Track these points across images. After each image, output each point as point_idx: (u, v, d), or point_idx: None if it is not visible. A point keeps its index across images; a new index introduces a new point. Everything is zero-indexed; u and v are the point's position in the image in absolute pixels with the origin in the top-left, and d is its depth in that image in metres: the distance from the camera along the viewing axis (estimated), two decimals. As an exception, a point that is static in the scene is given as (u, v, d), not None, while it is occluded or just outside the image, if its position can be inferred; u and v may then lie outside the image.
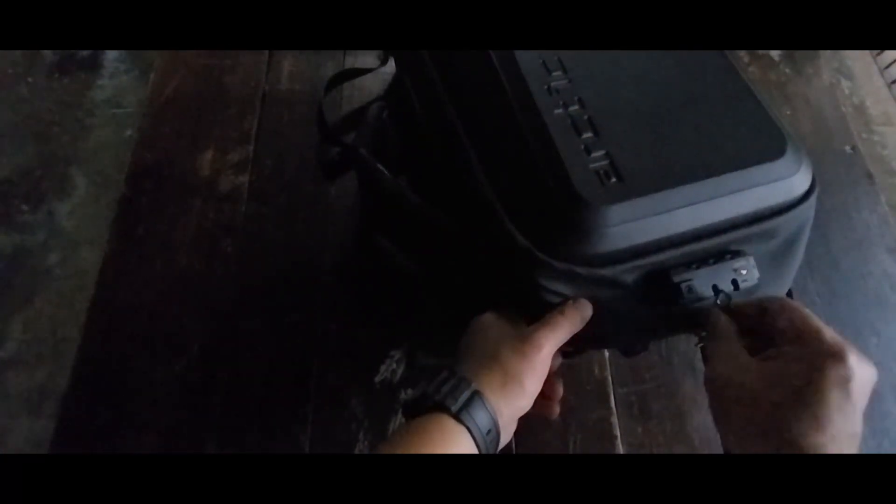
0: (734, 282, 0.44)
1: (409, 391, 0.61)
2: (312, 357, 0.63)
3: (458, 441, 0.38)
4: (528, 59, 0.47)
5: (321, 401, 0.61)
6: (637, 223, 0.42)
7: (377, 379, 0.62)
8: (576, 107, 0.45)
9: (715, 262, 0.43)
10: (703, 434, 0.61)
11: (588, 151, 0.43)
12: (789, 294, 0.65)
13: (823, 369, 0.36)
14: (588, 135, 0.44)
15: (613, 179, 0.42)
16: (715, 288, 0.43)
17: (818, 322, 0.39)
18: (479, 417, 0.39)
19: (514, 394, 0.41)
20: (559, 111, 0.45)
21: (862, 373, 0.37)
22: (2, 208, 1.39)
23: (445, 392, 0.39)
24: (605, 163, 0.43)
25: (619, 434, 0.60)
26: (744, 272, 0.44)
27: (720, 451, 0.60)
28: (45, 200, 1.41)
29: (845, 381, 0.36)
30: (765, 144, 0.45)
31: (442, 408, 0.39)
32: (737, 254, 0.44)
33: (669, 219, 0.42)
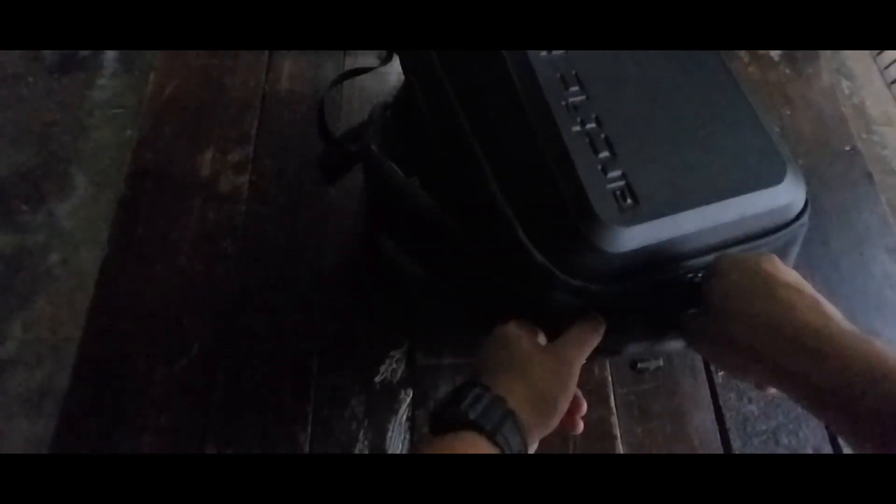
0: None
1: (410, 391, 0.61)
2: (312, 357, 0.63)
3: None
4: (545, 73, 0.48)
5: (321, 401, 0.61)
6: (649, 243, 0.43)
7: (377, 379, 0.62)
8: (593, 125, 0.46)
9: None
10: (703, 434, 0.61)
11: (605, 171, 0.44)
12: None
13: (721, 273, 0.41)
14: (605, 154, 0.45)
15: (629, 201, 0.43)
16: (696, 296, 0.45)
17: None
18: (512, 438, 0.39)
19: (545, 413, 0.41)
20: (577, 129, 0.45)
21: (750, 254, 0.42)
22: (2, 208, 1.39)
23: (480, 411, 0.39)
24: (621, 183, 0.43)
25: (619, 434, 0.60)
26: None
27: (720, 451, 0.60)
28: (45, 200, 1.40)
29: (738, 263, 0.41)
30: (766, 169, 0.46)
31: (475, 426, 0.38)
32: None
33: (679, 239, 0.44)
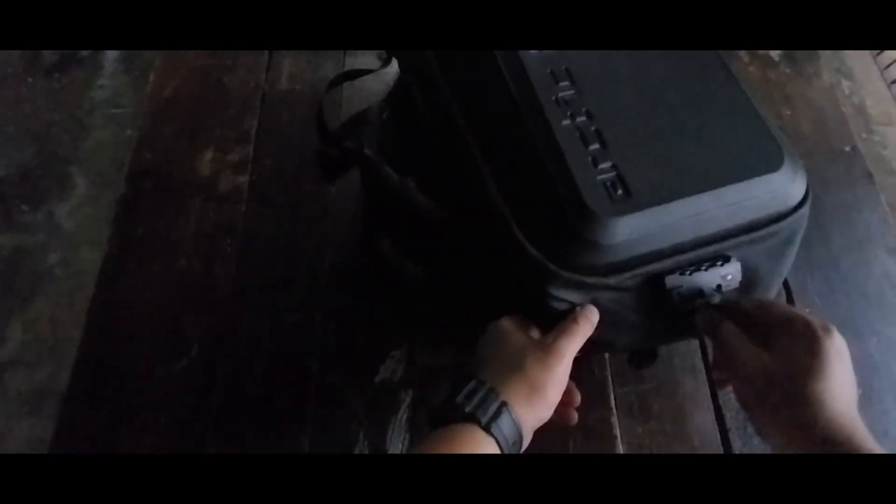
0: (718, 286, 0.46)
1: (410, 391, 0.61)
2: (312, 357, 0.63)
3: (486, 451, 0.39)
4: (536, 69, 0.48)
5: (321, 401, 0.61)
6: (642, 234, 0.43)
7: (377, 379, 0.62)
8: (583, 118, 0.46)
9: (707, 268, 0.45)
10: (703, 434, 0.61)
11: (595, 163, 0.44)
12: (788, 293, 0.65)
13: (822, 344, 0.41)
14: (595, 146, 0.45)
15: (620, 192, 0.43)
16: (700, 292, 0.45)
17: (799, 310, 0.44)
18: (507, 429, 0.40)
19: (538, 405, 0.42)
20: (567, 122, 0.45)
21: (845, 344, 0.42)
22: (2, 208, 1.39)
23: (475, 403, 0.40)
24: (612, 174, 0.43)
25: (619, 434, 0.60)
26: (729, 277, 0.45)
27: (720, 451, 0.60)
28: (45, 200, 1.41)
29: (841, 352, 0.41)
30: (763, 156, 0.46)
31: (472, 418, 0.39)
32: (726, 259, 0.45)
33: (672, 230, 0.43)
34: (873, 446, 0.38)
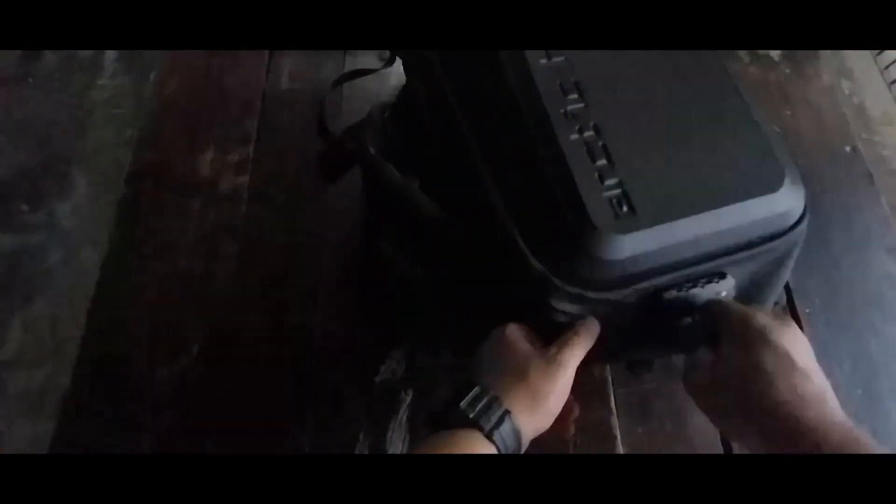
0: None
1: (410, 391, 0.61)
2: (312, 357, 0.63)
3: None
4: (544, 80, 0.48)
5: (321, 401, 0.61)
6: (645, 251, 0.43)
7: (377, 379, 0.62)
8: (591, 133, 0.46)
9: (704, 285, 0.45)
10: (703, 435, 0.61)
11: (602, 179, 0.44)
12: (788, 294, 0.66)
13: (745, 343, 0.41)
14: (602, 162, 0.45)
15: (625, 209, 0.43)
16: (694, 307, 0.45)
17: (731, 306, 0.44)
18: (508, 437, 0.40)
19: (539, 415, 0.42)
20: (575, 137, 0.45)
21: (775, 324, 0.41)
22: (2, 208, 1.39)
23: (479, 410, 0.40)
24: (618, 191, 0.44)
25: (619, 435, 0.60)
26: (724, 294, 0.46)
27: (720, 451, 0.60)
28: (45, 200, 1.40)
29: (764, 337, 0.40)
30: (764, 177, 0.46)
31: (474, 425, 0.40)
32: (722, 276, 0.46)
33: (673, 247, 0.44)
34: (820, 423, 0.37)
